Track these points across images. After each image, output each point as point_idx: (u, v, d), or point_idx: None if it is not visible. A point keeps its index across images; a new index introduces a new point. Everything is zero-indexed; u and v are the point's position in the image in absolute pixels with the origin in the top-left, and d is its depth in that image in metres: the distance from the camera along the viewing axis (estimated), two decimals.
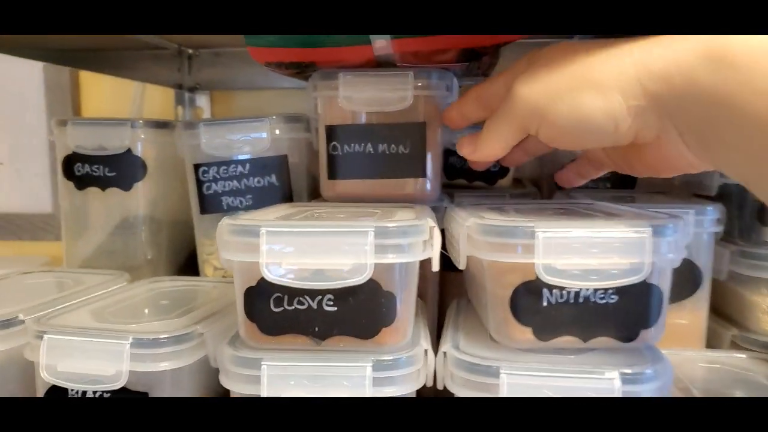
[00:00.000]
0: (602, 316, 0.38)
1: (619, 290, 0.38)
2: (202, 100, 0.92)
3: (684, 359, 0.49)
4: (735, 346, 0.54)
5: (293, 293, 0.37)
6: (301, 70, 0.54)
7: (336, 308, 0.38)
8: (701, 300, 0.54)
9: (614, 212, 0.44)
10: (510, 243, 0.37)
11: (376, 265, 0.36)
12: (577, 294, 0.38)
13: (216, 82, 0.91)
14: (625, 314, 0.38)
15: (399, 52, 0.49)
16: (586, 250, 0.36)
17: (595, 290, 0.38)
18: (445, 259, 0.57)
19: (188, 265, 0.70)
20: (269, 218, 0.41)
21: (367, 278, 0.36)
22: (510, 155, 0.44)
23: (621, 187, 0.71)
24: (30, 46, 0.74)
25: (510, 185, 0.74)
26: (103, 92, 0.95)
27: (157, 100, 0.93)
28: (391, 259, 0.37)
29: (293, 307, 0.38)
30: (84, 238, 0.65)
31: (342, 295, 0.37)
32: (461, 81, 0.60)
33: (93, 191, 0.63)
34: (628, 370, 0.36)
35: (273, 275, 0.36)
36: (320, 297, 0.37)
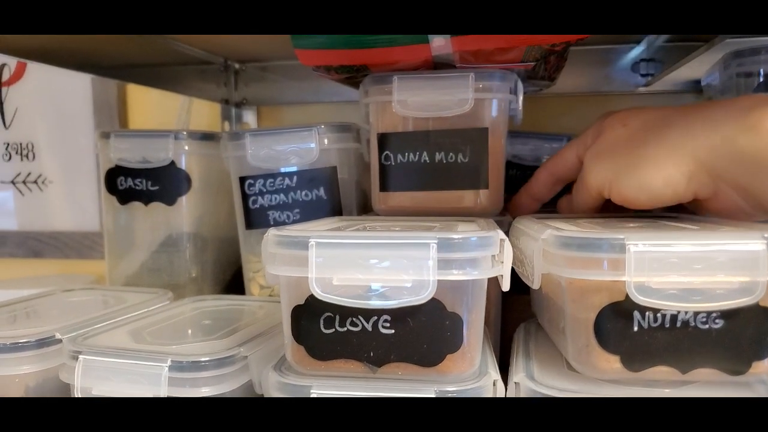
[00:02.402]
0: (705, 344, 0.32)
1: (726, 314, 0.32)
2: (249, 116, 0.90)
3: None
4: None
5: (345, 313, 0.33)
6: (352, 75, 0.51)
7: (393, 331, 0.33)
8: None
9: (710, 224, 0.39)
10: (595, 258, 0.32)
11: (440, 282, 0.32)
12: (674, 318, 0.32)
13: (263, 96, 0.89)
14: (732, 342, 0.32)
15: (459, 51, 0.45)
16: (686, 266, 0.31)
17: (696, 314, 0.32)
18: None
19: (234, 283, 0.67)
20: (320, 229, 0.37)
21: (429, 297, 0.32)
22: None
23: None
24: (79, 59, 0.73)
25: None
26: (150, 108, 0.94)
27: (204, 115, 0.91)
28: (456, 275, 0.32)
29: (345, 329, 0.33)
30: (127, 255, 0.63)
31: (400, 316, 0.33)
32: (526, 86, 0.56)
33: (136, 206, 0.61)
34: None
35: (323, 292, 0.32)
36: (376, 318, 0.33)
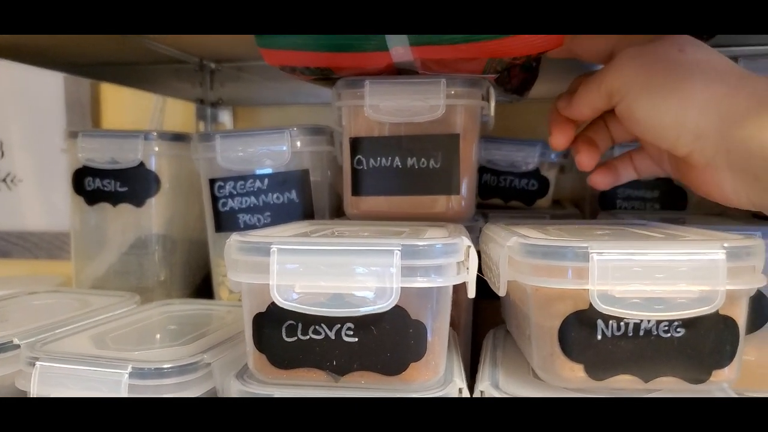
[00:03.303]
0: (667, 353, 0.33)
1: (687, 323, 0.32)
2: (225, 116, 0.89)
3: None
4: None
5: (308, 321, 0.33)
6: (318, 76, 0.50)
7: (357, 339, 0.33)
8: None
9: (675, 233, 0.39)
10: (559, 266, 0.32)
11: (403, 289, 0.32)
12: (637, 326, 0.32)
13: (239, 97, 0.88)
14: (694, 351, 0.32)
15: (420, 58, 0.45)
16: (648, 276, 0.31)
17: (659, 322, 0.32)
18: (479, 285, 0.52)
19: (204, 287, 0.66)
20: (283, 235, 0.37)
21: (393, 305, 0.31)
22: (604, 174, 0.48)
23: (671, 207, 0.66)
24: (51, 57, 0.72)
25: (549, 206, 0.69)
26: (123, 107, 0.93)
27: (178, 115, 0.90)
28: (420, 282, 0.32)
29: (308, 337, 0.33)
30: (95, 258, 0.62)
31: (363, 324, 0.33)
32: (497, 95, 0.56)
33: (104, 207, 0.59)
34: None
35: (284, 300, 0.32)
36: (339, 326, 0.33)
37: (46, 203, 0.96)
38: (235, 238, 0.34)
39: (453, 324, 0.49)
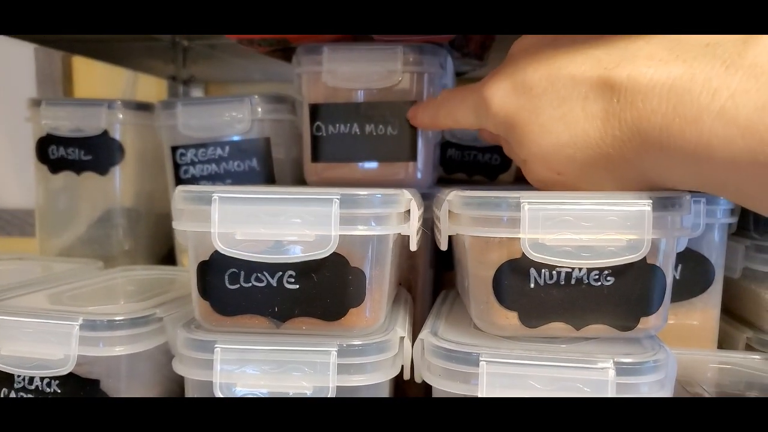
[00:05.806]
0: (597, 301, 0.34)
1: (616, 271, 0.33)
2: (197, 93, 0.89)
3: (694, 360, 0.45)
4: (750, 349, 0.49)
5: (250, 268, 0.34)
6: (275, 47, 0.51)
7: (298, 286, 0.34)
8: (713, 299, 0.49)
9: None
10: (492, 216, 0.33)
11: (343, 237, 0.33)
12: (568, 275, 0.34)
13: (211, 74, 0.88)
14: (622, 299, 0.34)
15: None
16: (578, 224, 0.32)
17: (589, 271, 0.33)
18: (444, 257, 0.53)
19: (170, 259, 0.66)
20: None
21: (331, 251, 0.32)
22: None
23: None
24: None
25: (512, 180, 0.70)
26: (95, 82, 0.93)
27: (151, 91, 0.91)
28: (359, 231, 0.33)
29: (250, 285, 0.34)
30: (59, 228, 0.62)
31: (304, 271, 0.34)
32: (456, 66, 0.57)
33: (68, 176, 0.60)
34: (625, 360, 0.32)
35: (226, 247, 0.33)
36: (280, 273, 0.34)
37: (18, 180, 0.96)
38: (179, 189, 0.34)
39: (410, 289, 0.51)
